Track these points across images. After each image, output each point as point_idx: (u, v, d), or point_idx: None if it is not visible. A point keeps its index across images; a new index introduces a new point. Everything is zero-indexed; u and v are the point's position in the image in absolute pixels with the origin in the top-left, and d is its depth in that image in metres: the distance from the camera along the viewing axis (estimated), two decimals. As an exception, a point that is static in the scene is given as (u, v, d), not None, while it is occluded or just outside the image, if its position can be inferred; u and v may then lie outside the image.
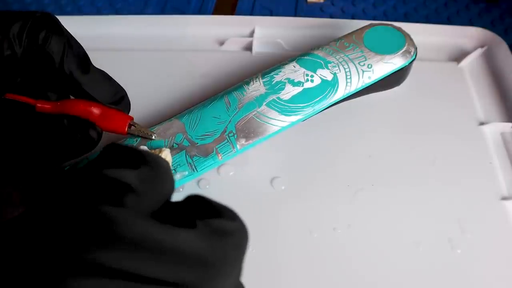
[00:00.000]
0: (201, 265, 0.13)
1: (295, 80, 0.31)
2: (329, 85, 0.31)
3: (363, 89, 0.32)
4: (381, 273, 0.27)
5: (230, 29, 0.40)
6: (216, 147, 0.29)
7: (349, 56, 0.32)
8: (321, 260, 0.27)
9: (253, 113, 0.30)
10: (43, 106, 0.25)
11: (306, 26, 0.40)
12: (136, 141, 0.29)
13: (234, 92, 0.31)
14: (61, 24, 0.25)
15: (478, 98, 0.36)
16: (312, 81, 0.31)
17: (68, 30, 0.25)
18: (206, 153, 0.29)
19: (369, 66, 0.32)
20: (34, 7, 0.48)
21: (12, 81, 0.25)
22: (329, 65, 0.32)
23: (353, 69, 0.32)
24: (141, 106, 0.33)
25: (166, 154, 0.27)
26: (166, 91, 0.36)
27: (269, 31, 0.40)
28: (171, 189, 0.15)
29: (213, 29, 0.40)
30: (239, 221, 0.15)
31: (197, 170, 0.29)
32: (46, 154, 0.26)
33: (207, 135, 0.30)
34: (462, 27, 0.40)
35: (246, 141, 0.29)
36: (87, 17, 0.41)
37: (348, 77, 0.31)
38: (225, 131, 0.30)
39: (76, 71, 0.24)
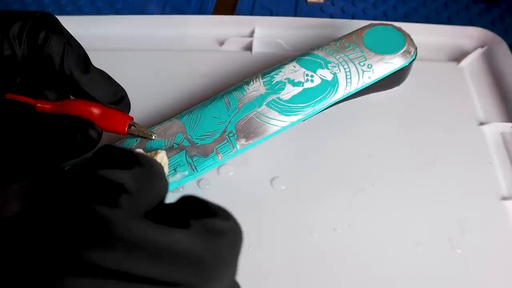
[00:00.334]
0: (195, 264, 0.13)
1: (295, 80, 0.31)
2: (329, 85, 0.31)
3: (363, 89, 0.32)
4: (381, 273, 0.27)
5: (230, 29, 0.40)
6: (216, 147, 0.29)
7: (349, 56, 0.32)
8: (321, 260, 0.27)
9: (253, 113, 0.30)
10: (43, 106, 0.25)
11: (306, 26, 0.40)
12: (136, 141, 0.29)
13: (234, 92, 0.31)
14: (61, 24, 0.25)
15: (478, 98, 0.36)
16: (312, 81, 0.31)
17: (68, 30, 0.25)
18: (206, 153, 0.29)
19: (369, 66, 0.32)
20: (34, 7, 0.48)
21: (12, 81, 0.25)
22: (329, 65, 0.32)
23: (353, 69, 0.32)
24: (141, 106, 0.33)
25: (161, 157, 0.27)
26: (166, 91, 0.36)
27: (269, 31, 0.40)
28: (165, 190, 0.15)
29: (213, 29, 0.40)
30: (233, 220, 0.15)
31: (197, 170, 0.29)
32: (46, 154, 0.26)
33: (207, 135, 0.30)
34: (462, 27, 0.40)
35: (246, 141, 0.29)
36: (87, 17, 0.41)
37: (348, 77, 0.31)
38: (225, 131, 0.30)
39: (76, 71, 0.24)
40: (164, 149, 0.28)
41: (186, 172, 0.28)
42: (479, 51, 0.38)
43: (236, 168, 0.31)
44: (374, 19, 0.44)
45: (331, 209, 0.29)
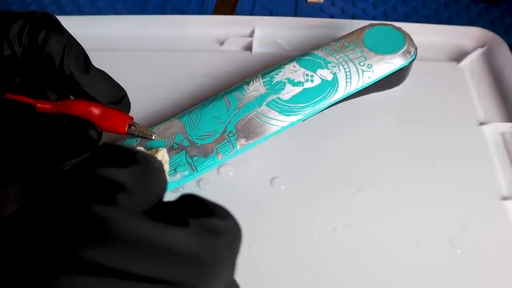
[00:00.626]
0: (193, 263, 0.13)
1: (295, 80, 0.31)
2: (329, 85, 0.31)
3: (363, 89, 0.32)
4: (381, 273, 0.27)
5: (230, 29, 0.40)
6: (216, 147, 0.29)
7: (349, 56, 0.32)
8: (321, 260, 0.27)
9: (253, 113, 0.30)
10: (43, 106, 0.25)
11: (306, 26, 0.40)
12: (136, 141, 0.29)
13: (234, 92, 0.31)
14: (61, 24, 0.25)
15: (478, 98, 0.36)
16: (312, 81, 0.31)
17: (68, 30, 0.25)
18: (206, 153, 0.29)
19: (369, 66, 0.32)
20: (34, 7, 0.48)
21: (12, 81, 0.25)
22: (329, 65, 0.32)
23: (353, 69, 0.32)
24: (141, 106, 0.33)
25: (162, 154, 0.27)
26: (166, 91, 0.36)
27: (269, 31, 0.40)
28: (163, 188, 0.15)
29: (213, 29, 0.40)
30: (232, 219, 0.15)
31: (197, 170, 0.29)
32: (46, 154, 0.26)
33: (207, 135, 0.30)
34: (462, 27, 0.40)
35: (246, 141, 0.29)
36: (87, 17, 0.41)
37: (348, 77, 0.31)
38: (225, 131, 0.30)
39: (76, 71, 0.24)
40: (165, 149, 0.28)
41: (186, 172, 0.28)
42: (479, 51, 0.38)
43: (236, 168, 0.31)
44: (374, 19, 0.44)
45: (331, 209, 0.29)
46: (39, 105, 0.25)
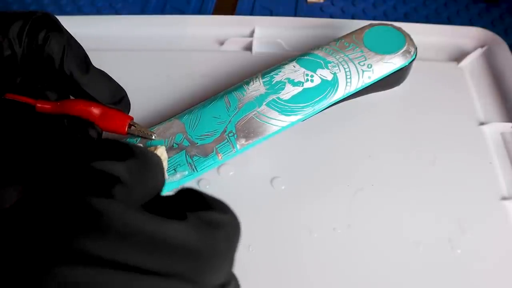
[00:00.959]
0: (191, 256, 0.13)
1: (295, 80, 0.31)
2: (329, 85, 0.31)
3: (363, 89, 0.32)
4: (381, 273, 0.27)
5: (230, 29, 0.40)
6: (216, 147, 0.29)
7: (349, 56, 0.32)
8: (321, 260, 0.27)
9: (253, 113, 0.30)
10: (43, 106, 0.25)
11: (306, 26, 0.40)
12: (136, 141, 0.29)
13: (234, 92, 0.31)
14: (61, 24, 0.25)
15: (478, 98, 0.36)
16: (312, 81, 0.31)
17: (68, 30, 0.25)
18: (206, 153, 0.29)
19: (369, 66, 0.32)
20: (34, 7, 0.48)
21: (12, 81, 0.25)
22: (329, 65, 0.32)
23: (353, 69, 0.32)
24: (141, 106, 0.33)
25: (161, 151, 0.27)
26: (166, 91, 0.36)
27: (269, 31, 0.40)
28: (161, 182, 0.16)
29: (213, 29, 0.40)
30: (231, 213, 0.15)
31: (197, 170, 0.29)
32: (46, 154, 0.26)
33: (207, 135, 0.30)
34: (462, 27, 0.40)
35: (246, 141, 0.29)
36: (87, 17, 0.41)
37: (348, 77, 0.31)
38: (225, 131, 0.30)
39: (76, 71, 0.24)
40: (164, 146, 0.28)
41: (186, 172, 0.28)
42: (479, 51, 0.38)
43: (236, 168, 0.31)
44: (374, 19, 0.44)
45: (331, 209, 0.29)
46: (39, 105, 0.25)
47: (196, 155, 0.29)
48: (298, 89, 0.31)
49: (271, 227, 0.29)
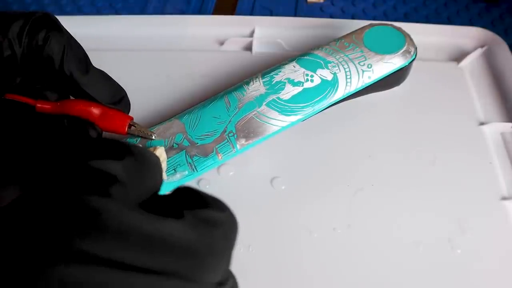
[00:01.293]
0: (188, 254, 0.13)
1: (295, 80, 0.31)
2: (329, 85, 0.31)
3: (363, 89, 0.32)
4: (381, 273, 0.27)
5: (230, 29, 0.40)
6: (216, 147, 0.29)
7: (349, 56, 0.32)
8: (321, 260, 0.27)
9: (253, 113, 0.30)
10: (43, 106, 0.25)
11: (306, 26, 0.40)
12: (136, 141, 0.29)
13: (234, 92, 0.31)
14: (61, 24, 0.25)
15: (478, 98, 0.36)
16: (312, 81, 0.31)
17: (68, 30, 0.25)
18: (206, 153, 0.29)
19: (369, 66, 0.32)
20: (34, 7, 0.48)
21: (12, 81, 0.25)
22: (329, 65, 0.32)
23: (353, 69, 0.32)
24: (141, 106, 0.33)
25: (160, 152, 0.27)
26: (166, 91, 0.36)
27: (269, 31, 0.40)
28: (159, 182, 0.16)
29: (213, 29, 0.40)
30: (228, 212, 0.15)
31: (197, 170, 0.29)
32: (46, 154, 0.26)
33: (207, 135, 0.30)
34: (462, 27, 0.40)
35: (246, 141, 0.29)
36: (87, 17, 0.41)
37: (348, 77, 0.31)
38: (225, 131, 0.30)
39: (76, 71, 0.24)
40: (163, 147, 0.28)
41: (186, 172, 0.28)
42: (479, 51, 0.38)
43: (236, 168, 0.31)
44: (374, 19, 0.44)
45: (331, 209, 0.29)
46: (39, 105, 0.25)
47: (196, 155, 0.29)
48: (298, 89, 0.31)
49: (271, 227, 0.29)
